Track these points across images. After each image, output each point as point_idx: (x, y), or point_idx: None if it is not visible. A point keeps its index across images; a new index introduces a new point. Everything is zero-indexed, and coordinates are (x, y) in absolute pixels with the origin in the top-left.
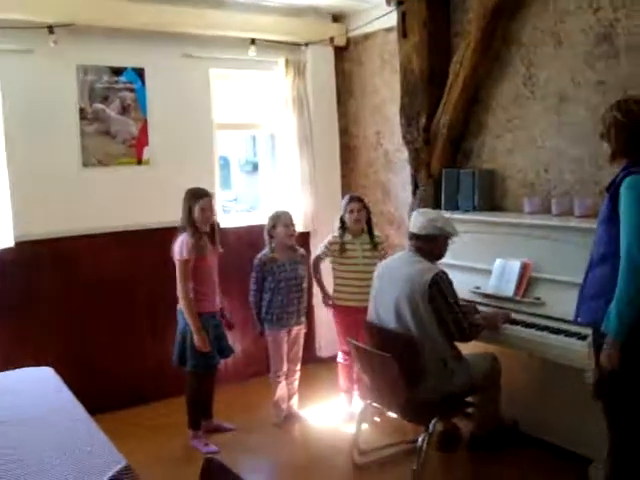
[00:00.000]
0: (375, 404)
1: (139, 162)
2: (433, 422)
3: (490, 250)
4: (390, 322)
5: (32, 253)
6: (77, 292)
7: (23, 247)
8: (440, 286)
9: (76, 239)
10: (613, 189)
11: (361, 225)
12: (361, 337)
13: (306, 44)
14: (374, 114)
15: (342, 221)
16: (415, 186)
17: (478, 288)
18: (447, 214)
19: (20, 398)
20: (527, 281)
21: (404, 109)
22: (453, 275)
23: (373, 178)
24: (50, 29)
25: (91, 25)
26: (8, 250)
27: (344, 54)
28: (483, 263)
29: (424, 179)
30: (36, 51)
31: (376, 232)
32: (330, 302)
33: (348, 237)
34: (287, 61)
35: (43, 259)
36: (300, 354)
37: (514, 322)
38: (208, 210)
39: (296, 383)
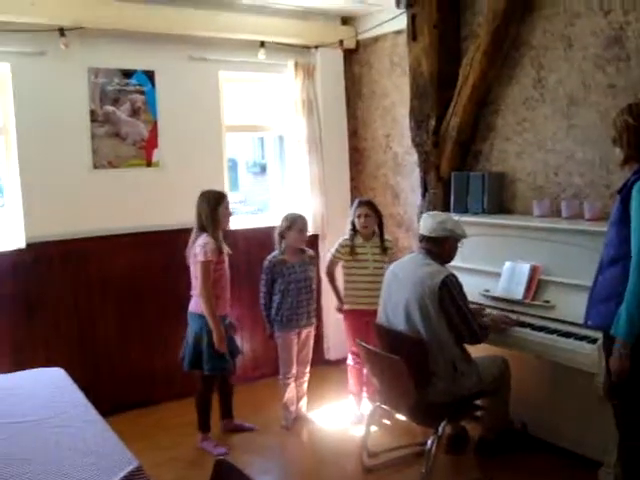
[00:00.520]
0: (384, 406)
1: (149, 164)
2: (442, 425)
3: (499, 253)
4: (400, 324)
5: (43, 254)
6: (87, 293)
7: (34, 248)
8: (450, 289)
9: (86, 240)
10: (625, 192)
11: (369, 230)
12: (370, 339)
13: (316, 47)
14: (383, 117)
15: (353, 224)
16: (424, 189)
17: (487, 291)
18: (456, 217)
19: (32, 399)
20: (536, 284)
21: (413, 112)
22: (463, 278)
23: (382, 181)
24: (61, 32)
25: (102, 28)
26: (19, 251)
27: (353, 57)
28: (492, 266)
29: (433, 182)
30: (48, 53)
31: (386, 236)
32: (342, 308)
33: (359, 240)
34: (296, 64)
35: (54, 260)
36: (310, 356)
37: (523, 325)
38: (230, 209)
39: (305, 385)
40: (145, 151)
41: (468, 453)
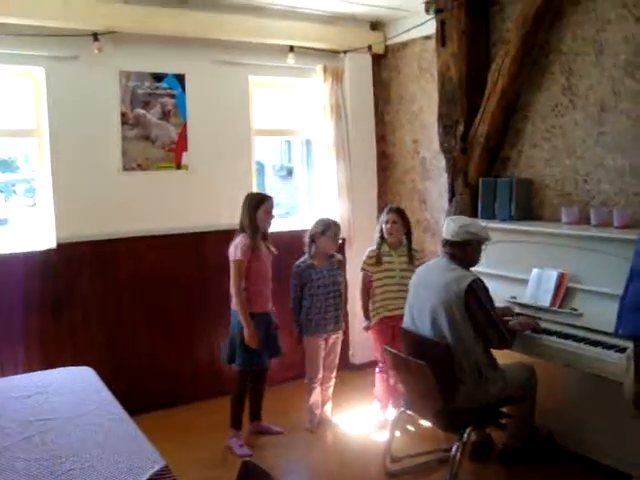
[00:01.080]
0: (409, 412)
1: (178, 167)
2: (467, 431)
3: (527, 260)
4: (426, 329)
5: (73, 254)
6: (116, 293)
7: (65, 248)
8: (477, 293)
9: (115, 241)
10: None
11: (396, 238)
12: (396, 345)
13: (344, 51)
14: (411, 122)
15: (381, 231)
16: (452, 194)
17: (514, 297)
18: (484, 223)
19: (61, 397)
20: (564, 291)
21: (442, 117)
22: (489, 284)
23: (410, 186)
24: (95, 36)
25: (133, 32)
26: (50, 251)
27: (382, 62)
28: (520, 273)
29: (461, 187)
30: (81, 57)
31: (414, 246)
32: (369, 327)
33: (385, 248)
34: (325, 68)
35: (84, 260)
36: (336, 362)
37: (550, 333)
38: (271, 212)
39: (331, 390)
40: (175, 154)
41: (493, 461)
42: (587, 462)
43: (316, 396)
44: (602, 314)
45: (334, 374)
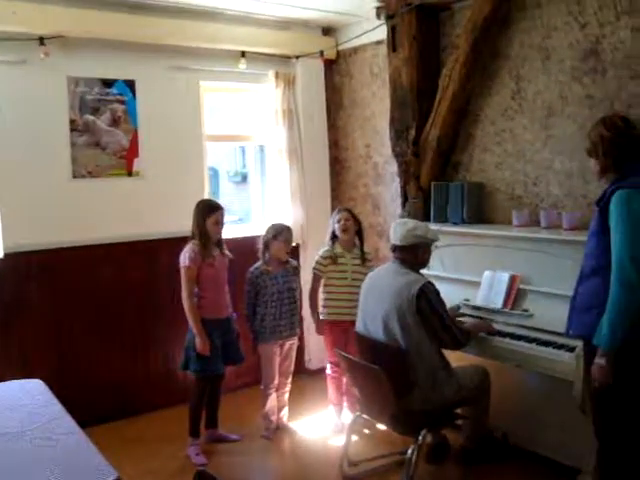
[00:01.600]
0: (365, 416)
1: (129, 174)
2: (422, 434)
3: (479, 262)
4: (378, 334)
5: (21, 264)
6: (66, 304)
7: (12, 258)
8: (428, 297)
9: (66, 251)
10: (603, 203)
11: (350, 236)
12: (349, 349)
13: (296, 57)
14: (364, 127)
15: (333, 233)
16: (404, 199)
17: (467, 300)
18: (436, 226)
19: (10, 411)
20: (516, 293)
21: (394, 122)
22: (442, 287)
23: (363, 191)
24: (41, 40)
25: (82, 37)
26: None
27: (334, 67)
28: (472, 275)
29: (413, 192)
30: (28, 62)
31: (366, 249)
32: (321, 333)
33: (339, 250)
34: (277, 74)
35: (32, 271)
36: (292, 368)
37: (502, 334)
38: (221, 222)
39: (286, 395)
40: (126, 161)
41: (449, 462)
42: (540, 459)
43: (272, 402)
44: (553, 315)
45: (289, 380)
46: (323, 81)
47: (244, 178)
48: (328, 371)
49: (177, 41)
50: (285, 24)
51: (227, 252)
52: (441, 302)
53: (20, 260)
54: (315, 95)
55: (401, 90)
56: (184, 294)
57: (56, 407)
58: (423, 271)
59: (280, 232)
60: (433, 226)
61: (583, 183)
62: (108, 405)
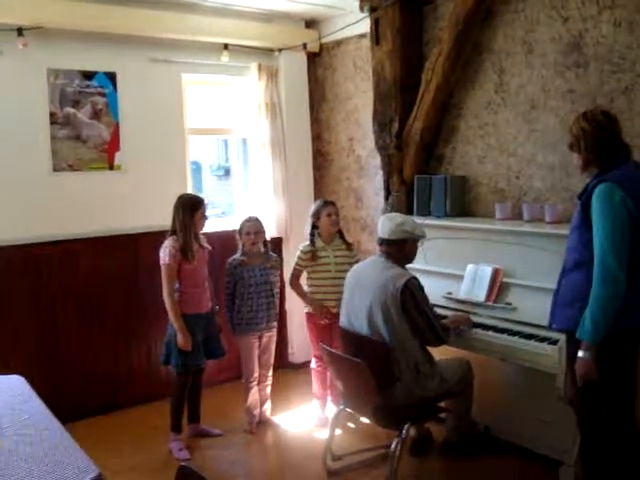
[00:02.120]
0: (348, 409)
1: (111, 167)
2: (406, 427)
3: (462, 256)
4: (362, 328)
5: (1, 259)
6: (47, 298)
7: None
8: (413, 292)
9: (46, 245)
10: (585, 197)
11: (336, 229)
12: (334, 342)
13: (279, 50)
14: (347, 120)
15: (314, 227)
16: (387, 192)
17: (450, 294)
18: (419, 220)
19: None
20: (499, 286)
21: (377, 115)
22: (425, 281)
23: (346, 184)
24: (19, 31)
25: (62, 28)
26: None
27: (317, 60)
28: (455, 269)
29: (396, 185)
30: (5, 53)
31: (347, 239)
32: (325, 315)
33: (320, 244)
34: (260, 66)
35: (13, 265)
36: (272, 360)
37: (486, 327)
38: (205, 216)
39: (268, 389)
40: (107, 154)
41: (432, 455)
42: (522, 452)
43: (254, 396)
44: (536, 308)
45: (270, 373)
46: (306, 74)
47: (227, 172)
48: (313, 365)
49: (158, 33)
50: (268, 16)
51: (206, 244)
52: (425, 298)
53: (0, 254)
54: (298, 88)
55: (384, 83)
56: (165, 292)
57: (36, 403)
58: None
59: (242, 225)
60: (416, 219)
61: (566, 176)
62: (90, 400)
